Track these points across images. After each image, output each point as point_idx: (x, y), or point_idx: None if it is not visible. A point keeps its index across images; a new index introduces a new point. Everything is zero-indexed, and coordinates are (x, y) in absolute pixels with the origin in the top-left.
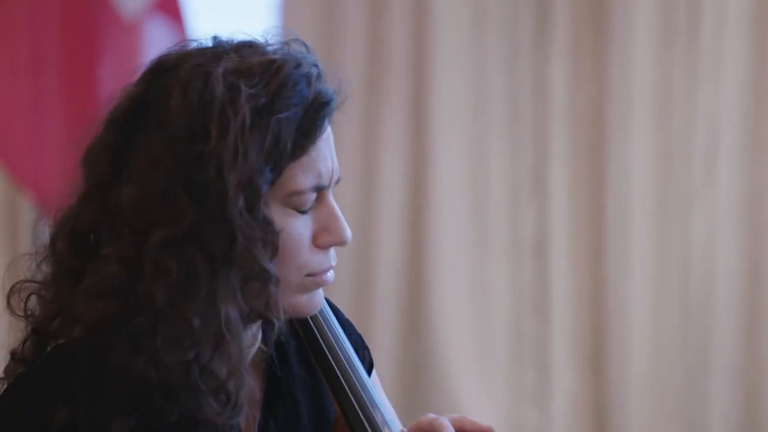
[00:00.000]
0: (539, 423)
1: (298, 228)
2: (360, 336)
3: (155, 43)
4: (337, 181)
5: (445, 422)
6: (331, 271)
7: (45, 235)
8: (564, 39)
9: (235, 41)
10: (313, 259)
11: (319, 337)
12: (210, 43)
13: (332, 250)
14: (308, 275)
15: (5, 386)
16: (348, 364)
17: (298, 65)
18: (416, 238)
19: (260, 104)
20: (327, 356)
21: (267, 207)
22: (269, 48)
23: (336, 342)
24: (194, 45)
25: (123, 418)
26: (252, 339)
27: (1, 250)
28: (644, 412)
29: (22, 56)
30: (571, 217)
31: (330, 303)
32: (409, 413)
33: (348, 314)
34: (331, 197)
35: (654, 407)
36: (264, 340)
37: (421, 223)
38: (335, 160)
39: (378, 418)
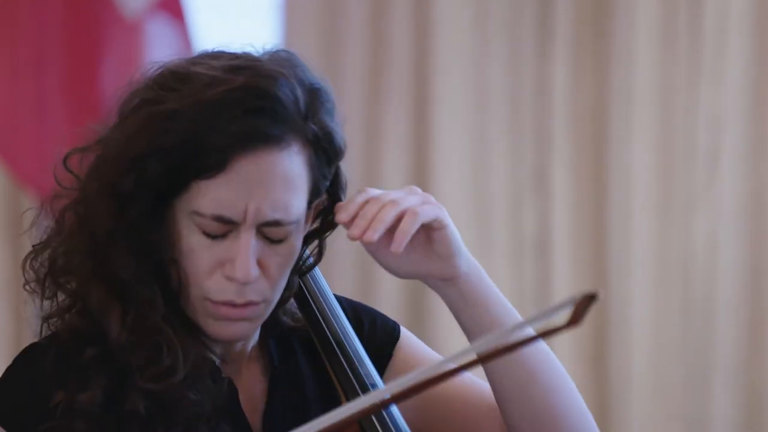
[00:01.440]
0: None
1: (197, 247)
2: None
3: (157, 42)
4: (271, 225)
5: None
6: (236, 310)
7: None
8: (566, 39)
9: (228, 51)
10: (211, 283)
11: (325, 327)
12: (219, 51)
13: (241, 288)
14: (207, 299)
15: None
16: (354, 354)
17: (243, 91)
18: None
19: (163, 109)
20: (334, 349)
21: (174, 216)
22: (235, 65)
23: (343, 335)
24: (210, 51)
25: (91, 347)
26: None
27: (2, 247)
28: (646, 411)
29: (23, 55)
30: (573, 216)
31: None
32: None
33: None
34: (247, 236)
35: (655, 406)
36: (265, 333)
37: None
38: (263, 201)
39: (385, 414)
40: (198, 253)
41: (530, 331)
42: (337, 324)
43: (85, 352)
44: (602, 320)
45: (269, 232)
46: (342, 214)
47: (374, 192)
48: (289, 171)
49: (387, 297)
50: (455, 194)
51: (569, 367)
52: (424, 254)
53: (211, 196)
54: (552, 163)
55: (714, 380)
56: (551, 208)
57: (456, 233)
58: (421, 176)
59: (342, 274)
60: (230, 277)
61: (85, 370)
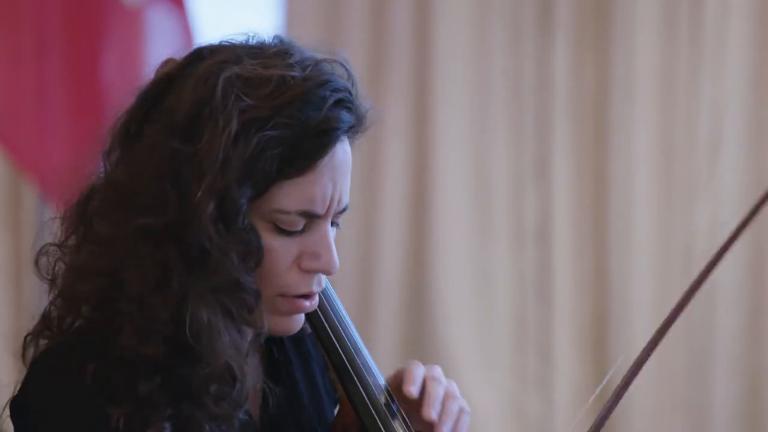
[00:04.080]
0: (542, 410)
1: (278, 245)
2: None
3: (158, 29)
4: (342, 211)
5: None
6: (310, 301)
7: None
8: (567, 28)
9: (274, 46)
10: (290, 279)
11: (324, 322)
12: (252, 42)
13: (318, 277)
14: (281, 295)
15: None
16: (353, 347)
17: (318, 86)
18: (419, 224)
19: (254, 117)
20: (333, 342)
21: (249, 219)
22: (297, 61)
23: (342, 328)
24: (241, 40)
25: (147, 379)
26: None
27: (3, 235)
28: (647, 399)
29: (25, 42)
30: (574, 204)
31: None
32: None
33: (351, 300)
34: (326, 226)
35: (657, 394)
36: None
37: (424, 210)
38: (341, 190)
39: (383, 401)
40: (276, 251)
41: None
42: (349, 340)
43: (144, 380)
44: (603, 308)
45: (336, 218)
46: (412, 388)
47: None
48: (350, 157)
49: (385, 304)
50: (456, 181)
51: (569, 354)
52: None
53: (298, 193)
54: (553, 151)
55: (715, 368)
56: (552, 195)
57: None
58: (422, 163)
59: (341, 281)
60: (311, 269)
61: (148, 400)
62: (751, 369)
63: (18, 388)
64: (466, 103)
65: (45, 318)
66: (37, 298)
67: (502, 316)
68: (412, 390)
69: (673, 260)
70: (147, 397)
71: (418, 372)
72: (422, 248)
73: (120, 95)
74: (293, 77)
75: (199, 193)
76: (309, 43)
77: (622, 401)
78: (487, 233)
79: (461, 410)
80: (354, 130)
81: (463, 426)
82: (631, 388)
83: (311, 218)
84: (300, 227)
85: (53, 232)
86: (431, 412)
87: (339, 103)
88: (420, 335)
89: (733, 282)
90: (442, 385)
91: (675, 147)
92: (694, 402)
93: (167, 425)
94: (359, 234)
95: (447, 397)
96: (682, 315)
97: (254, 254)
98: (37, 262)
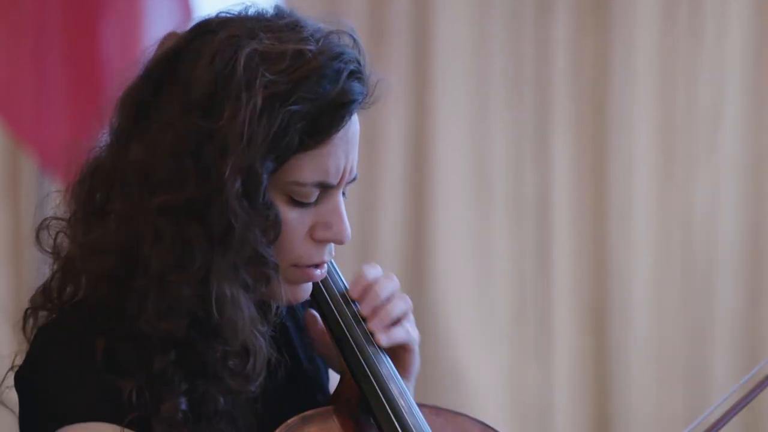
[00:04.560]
0: (541, 380)
1: (293, 217)
2: None
3: (157, 3)
4: (352, 181)
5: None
6: (321, 270)
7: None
8: (567, 1)
9: (282, 18)
10: (303, 250)
11: (325, 293)
12: (256, 14)
13: (329, 246)
14: (294, 265)
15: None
16: (354, 318)
17: (333, 59)
18: (419, 197)
19: (276, 92)
20: (333, 312)
21: (268, 194)
22: (310, 34)
23: (343, 301)
24: (242, 12)
25: (162, 355)
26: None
27: (3, 208)
28: (646, 369)
29: (24, 15)
30: (574, 177)
31: None
32: None
33: (350, 271)
34: (338, 196)
35: (656, 364)
36: None
37: (423, 183)
38: (352, 161)
39: (384, 372)
40: (292, 223)
41: None
42: (350, 312)
43: (159, 356)
44: (602, 280)
45: (346, 188)
46: (354, 289)
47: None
48: (359, 127)
49: (384, 264)
50: (456, 156)
51: (569, 326)
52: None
53: (314, 165)
54: (553, 124)
55: (715, 339)
56: (552, 168)
57: (418, 362)
58: (421, 135)
59: (340, 253)
60: (324, 239)
61: (162, 376)
62: (750, 341)
63: (17, 359)
64: (465, 76)
65: (46, 290)
66: (37, 271)
67: (501, 288)
68: (354, 292)
69: (673, 231)
70: (161, 372)
71: (366, 276)
72: (422, 221)
73: (120, 68)
74: (309, 50)
75: (226, 171)
76: (310, 15)
77: (620, 374)
78: (486, 206)
79: (394, 301)
80: (365, 101)
81: (396, 314)
82: (630, 358)
83: (325, 189)
84: (314, 199)
85: (54, 205)
86: (353, 292)
87: (352, 74)
88: (418, 307)
89: (732, 253)
90: (387, 291)
91: (675, 118)
92: (691, 372)
93: (183, 400)
94: (358, 208)
95: (390, 297)
96: (682, 287)
97: (274, 228)
98: (37, 236)
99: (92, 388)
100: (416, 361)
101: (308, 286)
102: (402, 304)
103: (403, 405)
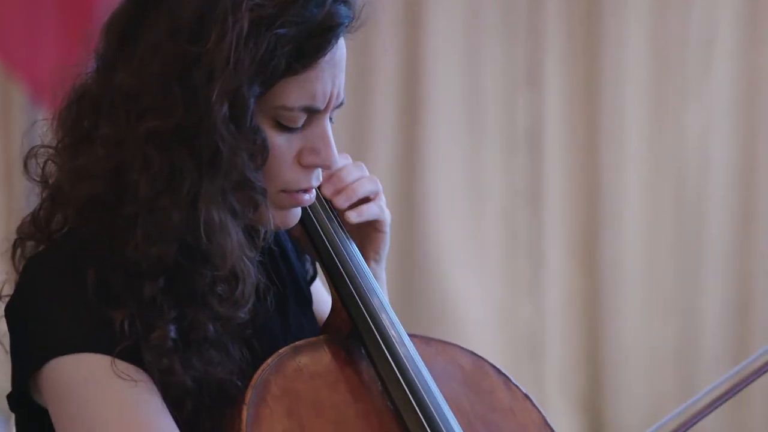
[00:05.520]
0: (532, 314)
1: (281, 142)
2: None
3: None
4: (339, 106)
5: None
6: (309, 195)
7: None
8: None
9: None
10: (291, 175)
11: (318, 226)
12: None
13: (317, 172)
14: (283, 191)
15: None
16: (345, 251)
17: None
18: (410, 129)
19: (262, 16)
20: (325, 244)
21: (255, 118)
22: None
23: (335, 232)
24: None
25: (151, 281)
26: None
27: None
28: (637, 303)
29: None
30: (565, 111)
31: None
32: (404, 306)
33: None
34: (326, 121)
35: (647, 299)
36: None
37: (415, 115)
38: (339, 85)
39: (375, 303)
40: (279, 147)
41: None
42: (341, 243)
43: (149, 282)
44: (593, 214)
45: (332, 114)
46: (323, 182)
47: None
48: (345, 52)
49: None
50: (448, 89)
51: (558, 260)
52: (358, 236)
53: (301, 89)
54: (545, 58)
55: (706, 273)
56: (543, 102)
57: (388, 244)
58: (413, 71)
59: None
60: (311, 165)
61: (151, 303)
62: (740, 276)
63: (4, 288)
64: (458, 7)
65: (35, 220)
66: (26, 200)
67: (493, 223)
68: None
69: (664, 167)
70: (151, 300)
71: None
72: (413, 154)
73: None
74: None
75: (213, 95)
76: None
77: (611, 309)
78: (478, 139)
79: (362, 180)
80: (351, 25)
81: (362, 191)
82: (622, 294)
83: (312, 113)
84: (300, 123)
85: (42, 134)
86: (330, 188)
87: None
88: (411, 242)
89: (723, 186)
90: (359, 173)
91: (668, 51)
92: (683, 305)
93: (172, 328)
94: (348, 139)
95: (357, 179)
96: (673, 223)
97: (261, 152)
98: (26, 164)
99: (84, 319)
100: (387, 243)
101: (297, 212)
102: (369, 184)
103: (394, 335)
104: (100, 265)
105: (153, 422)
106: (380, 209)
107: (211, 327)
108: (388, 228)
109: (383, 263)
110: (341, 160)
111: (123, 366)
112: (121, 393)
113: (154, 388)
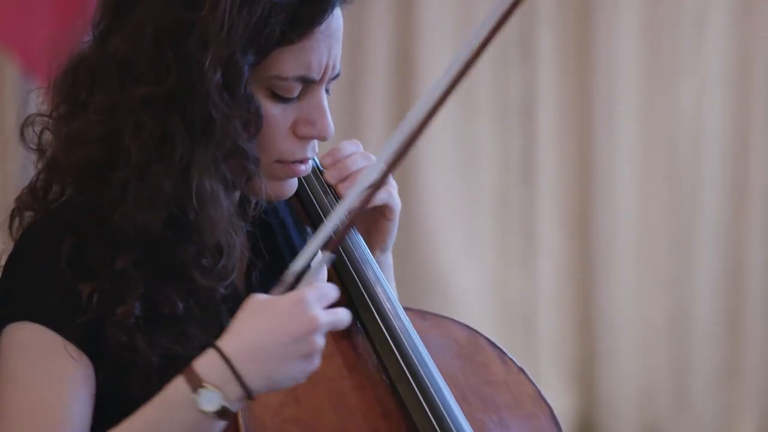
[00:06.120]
0: (525, 288)
1: (276, 113)
2: None
3: None
4: (335, 77)
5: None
6: (305, 165)
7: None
8: None
9: None
10: (286, 146)
11: (312, 196)
12: None
13: (313, 143)
14: (278, 161)
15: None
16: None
17: None
18: (403, 104)
19: None
20: (319, 214)
21: (249, 87)
22: None
23: (329, 204)
24: None
25: (127, 252)
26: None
27: None
28: (630, 275)
29: None
30: (559, 83)
31: None
32: (398, 280)
33: None
34: (321, 92)
35: (639, 270)
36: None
37: (407, 88)
38: (335, 56)
39: (370, 275)
40: (274, 117)
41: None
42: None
43: (124, 254)
44: (586, 187)
45: (329, 85)
46: (327, 159)
47: (354, 148)
48: (342, 23)
49: None
50: (440, 61)
51: (551, 234)
52: (365, 224)
53: (296, 59)
54: (537, 29)
55: (698, 245)
56: (537, 73)
57: (395, 231)
58: (406, 41)
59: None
60: (306, 136)
61: (122, 276)
62: (733, 248)
63: (2, 258)
64: None
65: (32, 190)
66: (22, 170)
67: (486, 196)
68: (326, 160)
69: (657, 139)
70: (122, 272)
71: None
72: None
73: None
74: None
75: (206, 62)
76: None
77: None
78: (471, 112)
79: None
80: None
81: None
82: (615, 267)
83: (308, 84)
84: (296, 94)
85: (38, 103)
86: (325, 160)
87: None
88: (404, 217)
89: (716, 159)
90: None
91: (661, 24)
92: (675, 279)
93: (138, 305)
94: (341, 108)
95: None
96: (666, 194)
97: (255, 121)
98: (22, 133)
99: (49, 289)
100: (394, 231)
101: (293, 183)
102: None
103: (389, 308)
104: (80, 235)
105: (64, 413)
106: (389, 195)
107: (180, 304)
108: (396, 216)
109: (389, 252)
110: (350, 147)
111: (72, 349)
112: (50, 374)
113: (91, 379)
